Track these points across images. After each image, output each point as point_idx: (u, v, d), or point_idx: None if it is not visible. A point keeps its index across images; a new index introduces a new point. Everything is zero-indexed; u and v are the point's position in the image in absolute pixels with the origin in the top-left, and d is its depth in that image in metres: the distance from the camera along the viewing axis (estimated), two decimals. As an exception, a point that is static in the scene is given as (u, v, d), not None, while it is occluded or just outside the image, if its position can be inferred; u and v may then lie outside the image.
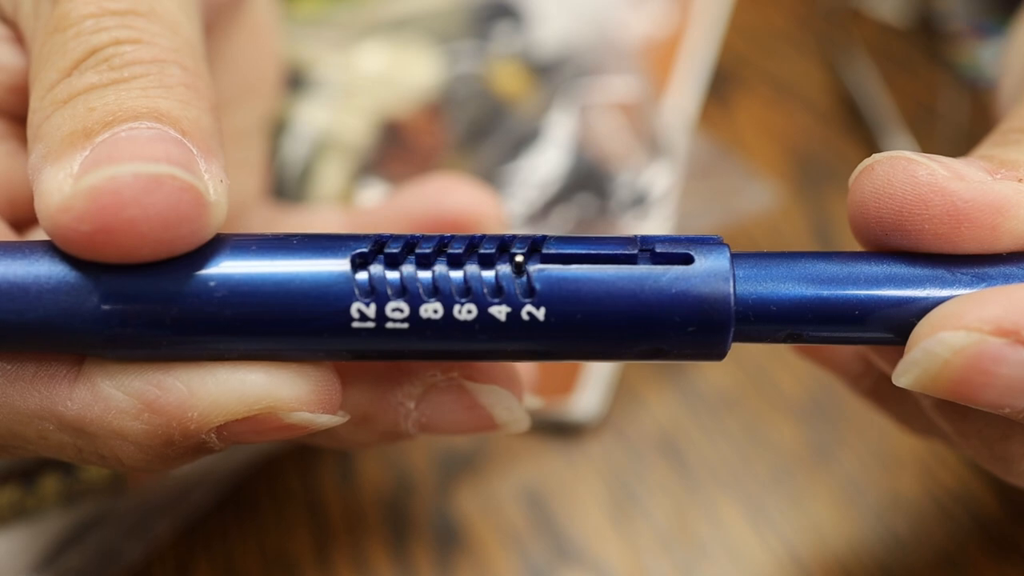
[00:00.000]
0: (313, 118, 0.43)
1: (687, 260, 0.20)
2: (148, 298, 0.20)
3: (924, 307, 0.21)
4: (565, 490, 0.37)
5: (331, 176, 0.42)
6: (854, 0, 0.52)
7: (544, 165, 0.42)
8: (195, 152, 0.20)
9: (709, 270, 0.20)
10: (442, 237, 0.21)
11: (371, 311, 0.20)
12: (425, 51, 0.45)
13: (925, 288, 0.21)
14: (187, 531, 0.36)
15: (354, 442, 0.25)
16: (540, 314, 0.20)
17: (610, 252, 0.20)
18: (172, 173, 0.19)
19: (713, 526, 0.36)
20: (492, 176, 0.42)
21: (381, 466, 0.37)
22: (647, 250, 0.21)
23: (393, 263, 0.20)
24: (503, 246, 0.20)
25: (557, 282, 0.20)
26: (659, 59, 0.46)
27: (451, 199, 0.29)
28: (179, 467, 0.23)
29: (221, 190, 0.20)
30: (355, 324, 0.20)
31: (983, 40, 0.50)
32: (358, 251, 0.20)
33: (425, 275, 0.20)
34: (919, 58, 0.50)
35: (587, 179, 0.42)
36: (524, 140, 0.43)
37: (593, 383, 0.38)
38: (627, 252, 0.20)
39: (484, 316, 0.20)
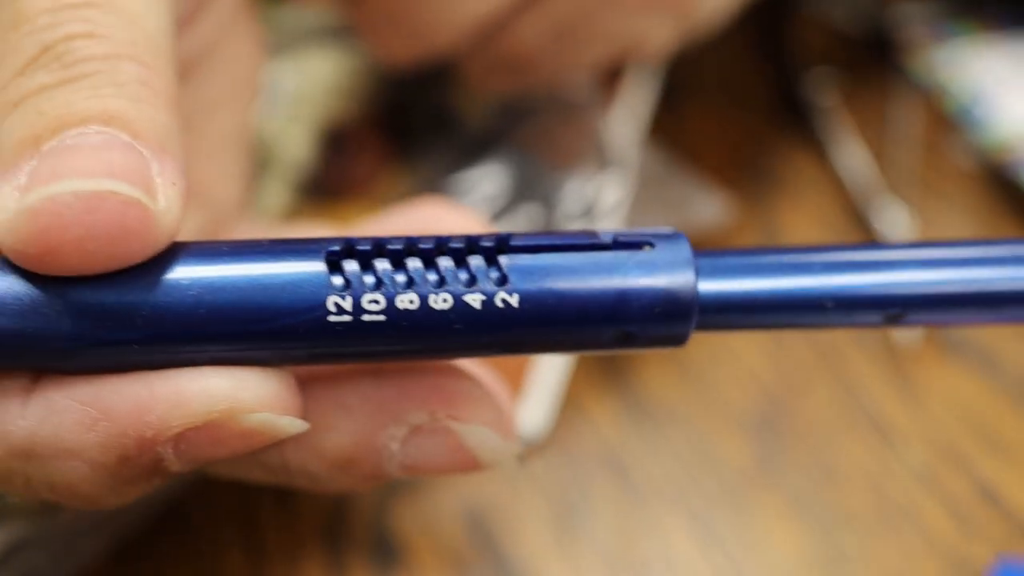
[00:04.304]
0: (256, 130, 0.42)
1: (650, 246, 0.21)
2: (113, 306, 0.19)
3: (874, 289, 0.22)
4: (507, 509, 0.36)
5: (272, 192, 0.41)
6: (807, 7, 0.52)
7: (491, 175, 0.42)
8: (147, 155, 0.19)
9: (672, 253, 0.21)
10: (409, 237, 0.21)
11: (348, 304, 0.20)
12: (370, 59, 0.44)
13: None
14: (118, 553, 0.35)
15: (336, 486, 0.25)
16: (514, 300, 0.20)
17: (575, 242, 0.21)
18: (113, 188, 0.19)
19: (658, 544, 0.35)
20: (438, 187, 0.42)
21: (320, 485, 0.37)
22: (609, 240, 0.21)
23: (366, 259, 0.20)
24: (471, 241, 0.21)
25: (528, 269, 0.21)
26: (609, 68, 0.46)
27: (444, 225, 0.28)
28: (132, 496, 0.22)
29: (173, 194, 0.20)
30: (332, 318, 0.20)
31: (937, 44, 0.50)
32: (331, 249, 0.20)
33: (399, 268, 0.21)
34: (871, 65, 0.50)
35: (534, 189, 0.41)
36: (471, 150, 0.43)
37: (538, 399, 0.37)
38: (591, 241, 0.21)
39: (460, 304, 0.20)
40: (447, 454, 0.24)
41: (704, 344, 0.40)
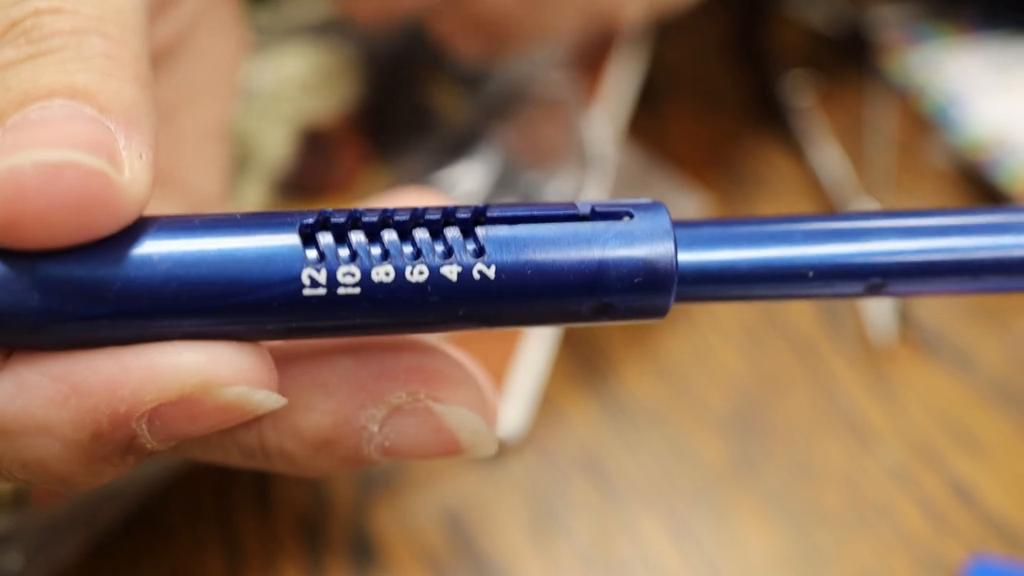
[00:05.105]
0: (233, 128, 0.42)
1: (629, 216, 0.21)
2: (82, 280, 0.19)
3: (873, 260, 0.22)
4: (485, 509, 0.36)
5: (250, 191, 0.41)
6: (785, 9, 0.52)
7: (470, 173, 0.42)
8: (111, 127, 0.19)
9: (651, 224, 0.21)
10: (384, 209, 0.21)
11: (322, 277, 0.20)
12: (349, 56, 0.44)
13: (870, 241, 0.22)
14: (95, 552, 0.35)
15: (314, 469, 0.25)
16: (491, 272, 0.20)
17: (553, 213, 0.21)
18: (75, 159, 0.18)
19: (635, 543, 0.35)
20: (418, 185, 0.41)
21: (297, 484, 0.37)
22: (588, 210, 0.21)
23: (341, 232, 0.20)
24: (447, 213, 0.21)
25: (505, 241, 0.20)
26: (589, 68, 0.46)
27: None
28: (108, 477, 0.22)
29: (139, 166, 0.19)
30: (306, 291, 0.20)
31: (913, 46, 0.50)
32: (305, 222, 0.20)
33: (374, 241, 0.20)
34: (848, 66, 0.50)
35: (514, 187, 0.41)
36: (451, 149, 0.43)
37: (515, 399, 0.37)
38: (570, 212, 0.21)
39: (436, 276, 0.20)
40: (427, 435, 0.23)
41: (681, 343, 0.40)
